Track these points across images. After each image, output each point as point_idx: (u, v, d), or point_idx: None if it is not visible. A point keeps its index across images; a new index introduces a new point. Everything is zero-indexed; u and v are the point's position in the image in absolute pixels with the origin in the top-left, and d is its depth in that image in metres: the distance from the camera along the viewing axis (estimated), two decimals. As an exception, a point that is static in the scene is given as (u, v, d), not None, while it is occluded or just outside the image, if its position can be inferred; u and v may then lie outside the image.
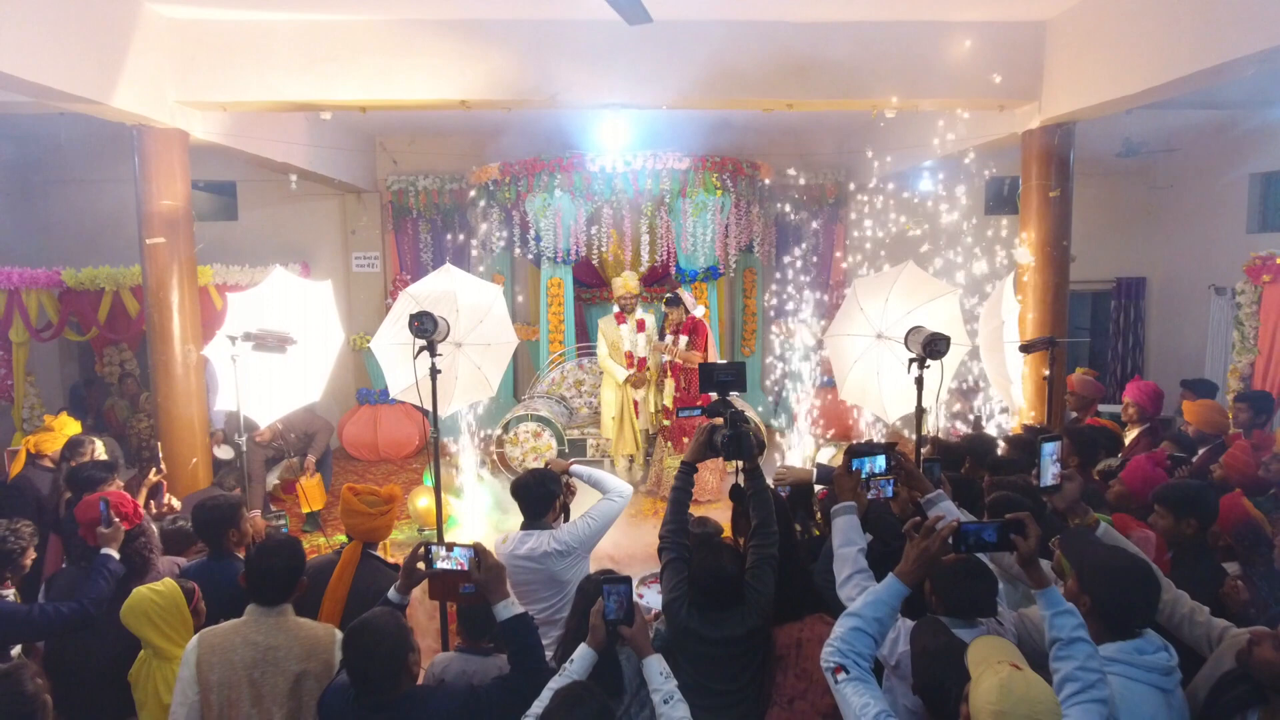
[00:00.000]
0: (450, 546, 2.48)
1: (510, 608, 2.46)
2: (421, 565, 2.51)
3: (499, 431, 7.41)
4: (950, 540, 2.16)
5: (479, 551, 2.47)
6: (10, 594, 3.27)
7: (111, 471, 3.89)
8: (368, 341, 8.27)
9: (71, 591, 3.11)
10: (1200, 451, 4.38)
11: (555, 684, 2.24)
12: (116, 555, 3.49)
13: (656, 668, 2.30)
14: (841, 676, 2.06)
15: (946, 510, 2.88)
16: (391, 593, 2.54)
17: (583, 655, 2.31)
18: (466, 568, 2.45)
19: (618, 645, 2.45)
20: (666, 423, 7.01)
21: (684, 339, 6.85)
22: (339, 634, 2.57)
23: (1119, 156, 8.29)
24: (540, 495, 3.33)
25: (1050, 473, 2.62)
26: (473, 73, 5.27)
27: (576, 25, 5.10)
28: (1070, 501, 2.63)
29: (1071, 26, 5.25)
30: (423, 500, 5.92)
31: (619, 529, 4.74)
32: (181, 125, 5.29)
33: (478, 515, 6.05)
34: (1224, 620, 2.41)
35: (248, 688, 2.44)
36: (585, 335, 8.67)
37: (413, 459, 8.75)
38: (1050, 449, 2.62)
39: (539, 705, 2.16)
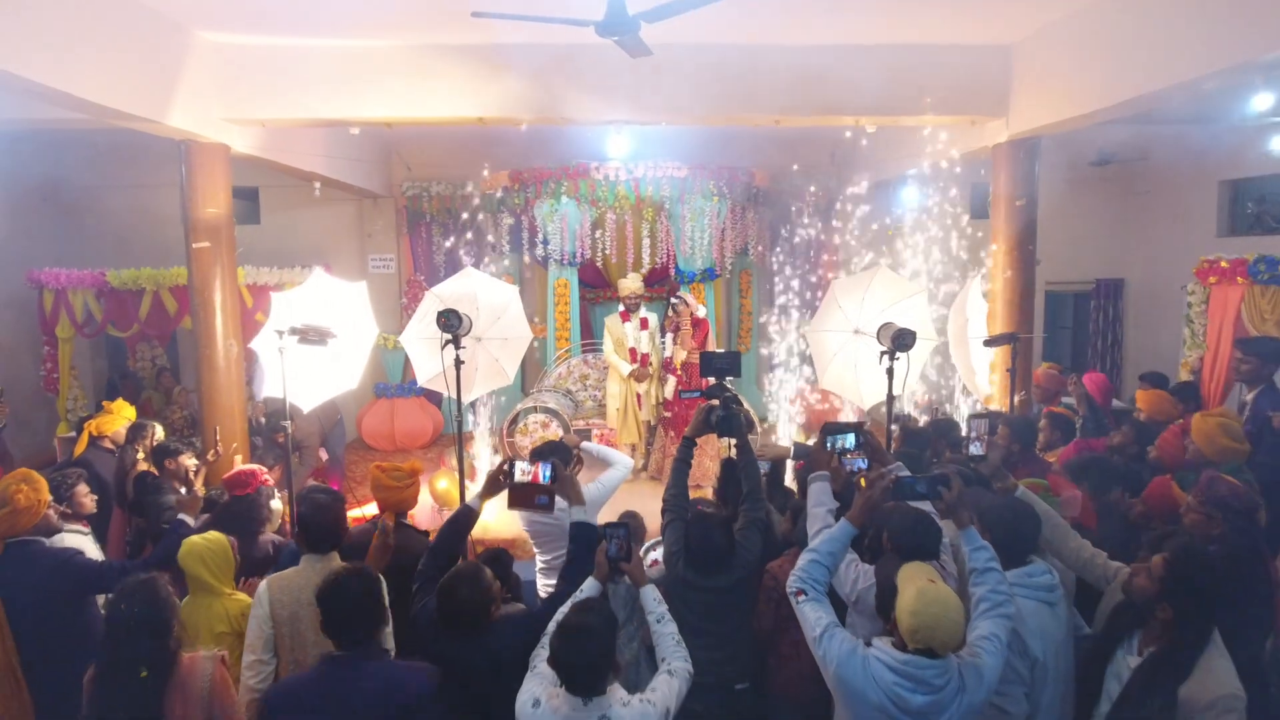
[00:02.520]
0: (532, 460, 2.99)
1: (584, 513, 2.99)
2: (503, 478, 3.01)
3: (509, 423, 7.92)
4: (890, 490, 2.69)
5: (555, 465, 2.96)
6: (87, 532, 3.80)
7: (189, 446, 4.50)
8: (386, 341, 8.83)
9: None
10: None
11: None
12: (191, 521, 4.05)
13: (651, 594, 2.81)
14: (802, 598, 2.58)
15: None
16: (472, 499, 3.06)
17: (590, 586, 2.82)
18: (543, 480, 2.93)
19: (617, 579, 2.95)
20: (667, 414, 7.54)
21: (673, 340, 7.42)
22: (380, 578, 3.01)
23: (1093, 165, 8.79)
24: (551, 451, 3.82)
25: (976, 445, 3.14)
26: (489, 92, 5.79)
27: (584, 49, 5.58)
28: (993, 468, 3.16)
29: (1035, 50, 5.76)
30: (442, 482, 6.44)
31: (626, 504, 5.21)
32: (224, 140, 5.81)
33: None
34: (1118, 563, 2.93)
35: (312, 621, 2.87)
36: (590, 333, 9.18)
37: (428, 448, 9.27)
38: (978, 425, 3.14)
39: (554, 624, 2.62)
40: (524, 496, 2.99)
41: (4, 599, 3.48)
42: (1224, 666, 2.48)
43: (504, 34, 5.60)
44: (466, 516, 3.08)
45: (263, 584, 3.04)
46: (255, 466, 4.32)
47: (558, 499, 3.07)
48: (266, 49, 5.69)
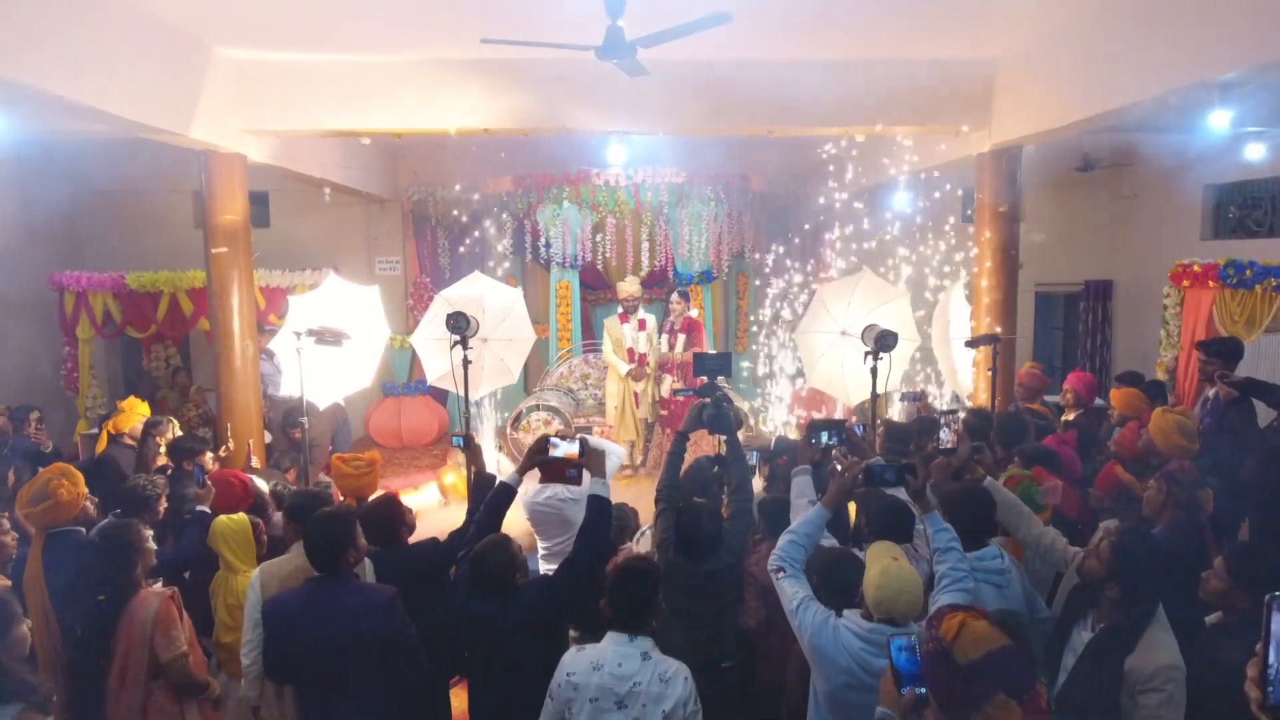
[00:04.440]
0: (563, 438, 3.27)
1: (602, 486, 3.21)
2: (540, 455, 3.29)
3: (512, 421, 8.19)
4: (861, 477, 2.96)
5: (583, 442, 3.26)
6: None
7: (206, 444, 4.72)
8: (393, 341, 9.11)
9: None
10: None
11: None
12: (210, 510, 4.31)
13: None
14: (781, 574, 2.84)
15: None
16: (511, 475, 3.35)
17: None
18: (574, 456, 3.22)
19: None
20: (664, 412, 7.81)
21: (681, 338, 7.69)
22: (368, 561, 3.29)
23: (1078, 170, 9.04)
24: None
25: (947, 436, 3.41)
26: (495, 104, 6.05)
27: (585, 65, 5.79)
28: (962, 460, 3.43)
29: (1016, 63, 6.02)
30: (449, 477, 6.71)
31: (626, 499, 5.46)
32: (241, 150, 6.08)
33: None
34: (1076, 548, 3.19)
35: None
36: (590, 333, 9.44)
37: (433, 446, 9.54)
38: (949, 418, 3.42)
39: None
40: (557, 470, 3.28)
41: (48, 587, 3.76)
42: (1166, 640, 2.73)
43: (509, 50, 5.85)
44: (505, 493, 3.34)
45: (255, 572, 3.26)
46: (228, 472, 4.45)
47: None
48: (283, 64, 5.95)
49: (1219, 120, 4.25)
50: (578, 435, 3.33)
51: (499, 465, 7.49)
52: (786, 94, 6.10)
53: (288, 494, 3.99)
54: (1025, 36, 5.70)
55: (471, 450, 3.76)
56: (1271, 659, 1.31)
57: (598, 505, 3.17)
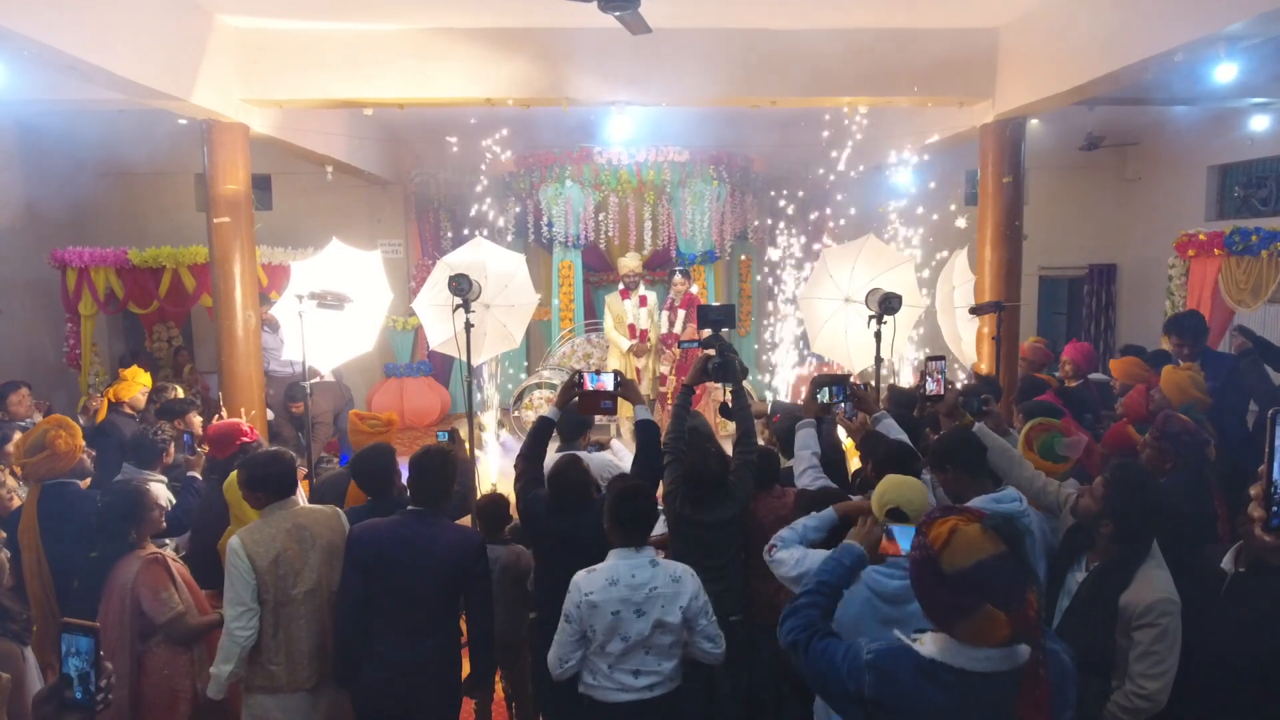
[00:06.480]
0: (599, 372, 3.41)
1: (645, 412, 3.41)
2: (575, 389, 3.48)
3: (515, 399, 8.19)
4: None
5: (618, 374, 3.43)
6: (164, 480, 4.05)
7: (194, 404, 4.71)
8: (395, 323, 9.12)
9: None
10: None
11: None
12: (200, 477, 4.29)
13: None
14: (774, 550, 2.84)
15: (889, 428, 3.64)
16: (549, 410, 3.51)
17: None
18: (609, 388, 3.36)
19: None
20: (663, 389, 7.79)
21: (681, 314, 7.70)
22: (340, 511, 3.21)
23: (1082, 149, 9.01)
24: (576, 423, 4.17)
25: (932, 385, 3.40)
26: (496, 74, 6.04)
27: (586, 33, 5.85)
28: (949, 407, 3.41)
29: (1019, 32, 5.99)
30: (450, 450, 6.72)
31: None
32: (243, 120, 6.07)
33: (495, 461, 6.87)
34: (1071, 490, 3.16)
35: (293, 556, 3.00)
36: (592, 314, 9.44)
37: (435, 426, 9.53)
38: (933, 366, 3.40)
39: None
40: (592, 402, 3.44)
41: (43, 538, 3.74)
42: (1161, 575, 2.67)
43: (510, 18, 5.86)
44: (545, 424, 3.57)
45: (234, 540, 3.01)
46: (236, 421, 4.43)
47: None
48: (283, 32, 5.95)
49: (1225, 74, 4.22)
50: (612, 370, 3.44)
51: (500, 439, 7.49)
52: (788, 64, 6.09)
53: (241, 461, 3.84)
54: (1028, 2, 5.68)
55: (456, 445, 3.79)
56: (1276, 476, 1.28)
57: (645, 428, 3.36)
